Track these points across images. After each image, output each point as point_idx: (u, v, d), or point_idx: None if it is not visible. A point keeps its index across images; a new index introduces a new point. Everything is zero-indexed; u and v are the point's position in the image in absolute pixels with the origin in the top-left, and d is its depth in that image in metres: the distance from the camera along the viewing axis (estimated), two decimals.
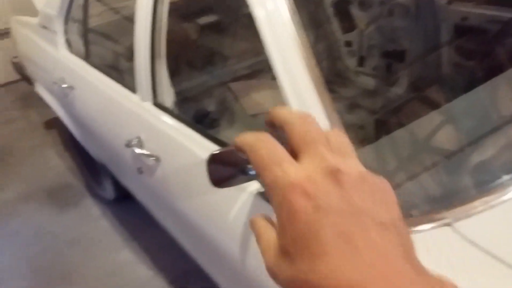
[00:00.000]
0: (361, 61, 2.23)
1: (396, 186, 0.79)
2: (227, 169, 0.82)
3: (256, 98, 2.08)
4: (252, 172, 0.81)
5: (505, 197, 0.69)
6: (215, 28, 2.26)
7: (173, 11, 1.56)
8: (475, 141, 0.89)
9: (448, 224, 0.68)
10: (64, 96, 1.79)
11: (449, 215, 0.68)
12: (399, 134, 1.03)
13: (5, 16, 3.23)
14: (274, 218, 0.30)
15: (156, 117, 1.24)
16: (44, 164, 2.68)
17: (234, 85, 2.14)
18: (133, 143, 1.24)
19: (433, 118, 1.08)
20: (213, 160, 0.79)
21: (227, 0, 2.30)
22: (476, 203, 0.69)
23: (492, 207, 0.68)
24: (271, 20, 0.90)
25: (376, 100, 2.08)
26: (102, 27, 1.97)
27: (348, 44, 2.25)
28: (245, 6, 0.98)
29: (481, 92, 1.10)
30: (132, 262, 1.93)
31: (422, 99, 1.75)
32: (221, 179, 0.83)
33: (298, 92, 0.82)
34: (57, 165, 2.64)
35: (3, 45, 3.37)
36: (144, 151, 1.20)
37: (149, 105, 1.28)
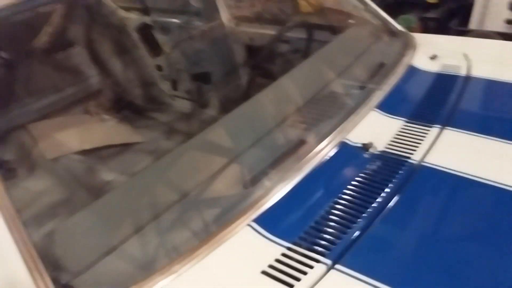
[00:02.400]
0: (174, 85, 2.19)
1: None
2: None
3: (59, 139, 1.90)
4: None
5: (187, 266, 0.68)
6: (5, 65, 2.03)
7: None
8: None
9: None
10: None
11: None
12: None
13: None
14: None
15: None
16: None
17: (34, 127, 1.93)
18: None
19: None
20: None
21: (16, 33, 2.08)
22: (163, 275, 0.65)
23: (176, 278, 0.64)
24: None
25: (192, 124, 2.06)
26: None
27: (159, 68, 2.19)
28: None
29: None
30: None
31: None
32: None
33: None
34: None
35: None
36: None
37: None
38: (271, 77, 1.65)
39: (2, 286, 0.71)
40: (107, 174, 1.59)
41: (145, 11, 2.11)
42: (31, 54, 1.92)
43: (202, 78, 2.04)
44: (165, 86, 2.20)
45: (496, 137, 0.96)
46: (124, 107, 2.07)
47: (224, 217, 0.82)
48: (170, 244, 0.83)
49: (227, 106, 2.00)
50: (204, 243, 0.77)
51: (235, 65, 1.92)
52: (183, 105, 2.14)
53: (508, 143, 0.94)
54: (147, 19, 2.10)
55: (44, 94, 1.98)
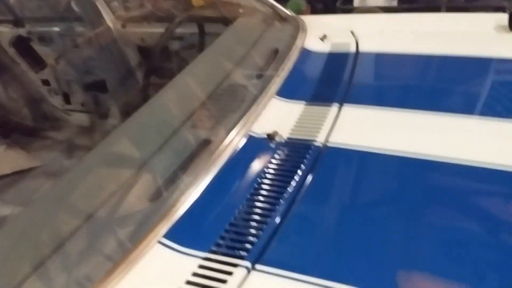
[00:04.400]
0: (67, 98, 2.02)
1: None
2: None
3: None
4: None
5: None
6: None
7: None
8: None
9: None
10: None
11: None
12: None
13: None
14: None
15: None
16: None
17: None
18: None
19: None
20: None
21: None
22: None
23: None
24: None
25: (94, 137, 1.92)
26: None
27: (46, 83, 2.00)
28: None
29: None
30: None
31: None
32: None
33: None
34: None
35: None
36: None
37: None
38: (168, 77, 1.59)
39: None
40: (2, 209, 1.42)
41: (17, 22, 1.91)
42: None
43: (96, 87, 1.90)
44: (57, 101, 2.02)
45: (392, 106, 1.00)
46: (12, 130, 1.87)
47: (134, 237, 0.76)
48: (79, 274, 0.75)
49: (128, 113, 1.89)
50: (115, 267, 0.70)
51: (129, 68, 1.81)
52: (80, 118, 1.99)
53: (403, 111, 0.98)
54: (22, 31, 1.91)
55: None
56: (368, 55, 1.24)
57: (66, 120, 2.03)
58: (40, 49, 1.92)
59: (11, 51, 1.95)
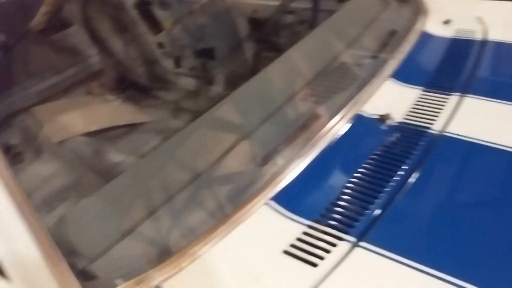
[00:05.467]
0: (178, 62, 2.14)
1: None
2: None
3: (64, 121, 1.87)
4: None
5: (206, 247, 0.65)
6: (2, 48, 1.98)
7: None
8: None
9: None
10: None
11: (156, 276, 0.61)
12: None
13: None
14: None
15: None
16: None
17: (37, 110, 1.90)
18: None
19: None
20: None
21: (12, 15, 2.03)
22: (181, 258, 0.63)
23: (195, 260, 0.62)
24: None
25: (199, 101, 2.02)
26: None
27: (161, 45, 2.14)
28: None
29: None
30: None
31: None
32: None
33: None
34: None
35: None
36: None
37: None
38: (277, 51, 1.61)
39: (16, 274, 0.70)
40: (115, 156, 1.57)
41: None
42: (28, 36, 1.87)
43: (206, 54, 1.99)
44: (168, 64, 2.15)
45: None
46: (128, 87, 2.03)
47: (240, 197, 0.80)
48: (186, 226, 0.81)
49: (233, 82, 1.96)
50: (221, 224, 0.74)
51: (239, 39, 1.86)
52: (188, 82, 2.10)
53: None
54: None
55: (43, 76, 1.94)
56: (497, 44, 1.15)
57: (175, 82, 2.15)
58: (160, 13, 2.04)
59: (134, 13, 2.09)
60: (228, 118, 1.09)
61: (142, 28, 2.13)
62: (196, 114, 1.88)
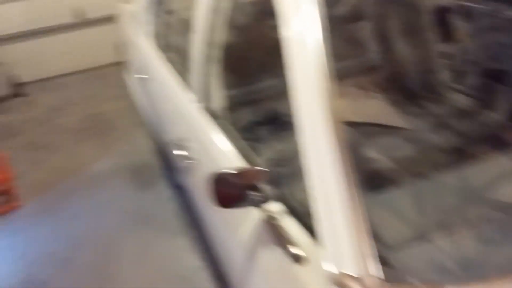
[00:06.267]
0: (457, 77, 2.00)
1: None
2: (232, 190, 0.79)
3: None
4: (253, 199, 0.77)
5: None
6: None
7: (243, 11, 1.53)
8: None
9: None
10: (141, 85, 1.90)
11: None
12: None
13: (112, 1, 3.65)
14: None
15: (202, 121, 1.24)
16: (135, 143, 2.91)
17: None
18: (177, 142, 1.26)
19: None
20: (215, 180, 0.77)
21: None
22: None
23: None
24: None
25: (469, 123, 1.85)
26: (185, 20, 2.02)
27: (445, 56, 2.03)
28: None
29: None
30: (187, 249, 2.00)
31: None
32: (222, 199, 0.80)
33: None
34: (144, 145, 2.85)
35: (114, 28, 3.70)
36: (184, 153, 1.22)
37: (199, 108, 1.29)
38: None
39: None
40: (368, 150, 1.58)
41: None
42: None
43: (495, 75, 1.79)
44: (446, 76, 2.03)
45: None
46: (398, 89, 2.01)
47: None
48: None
49: None
50: None
51: None
52: (462, 100, 1.94)
53: None
54: (444, 1, 1.94)
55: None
56: None
57: (447, 97, 2.02)
58: (456, 22, 1.92)
59: (428, 17, 2.03)
60: None
61: (431, 34, 2.06)
62: (462, 135, 1.74)
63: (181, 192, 2.34)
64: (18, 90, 3.87)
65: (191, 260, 1.94)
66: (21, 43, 3.91)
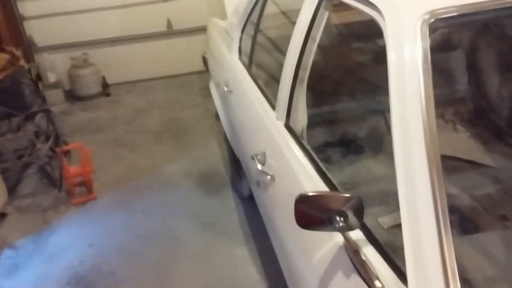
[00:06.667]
0: None
1: None
2: (314, 213, 0.81)
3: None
4: (339, 225, 0.79)
5: None
6: (369, 53, 2.17)
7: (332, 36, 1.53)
8: None
9: None
10: (224, 97, 1.97)
11: None
12: None
13: (201, 15, 3.92)
14: None
15: (282, 138, 1.26)
16: (207, 150, 3.00)
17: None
18: (257, 157, 1.29)
19: None
20: (302, 201, 0.80)
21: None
22: None
23: None
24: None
25: None
26: (272, 40, 2.08)
27: None
28: None
29: None
30: (246, 260, 2.02)
31: None
32: (306, 221, 0.82)
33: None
34: (215, 153, 2.93)
35: (201, 39, 3.87)
36: (263, 168, 1.24)
37: (280, 125, 1.31)
38: None
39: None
40: (448, 186, 1.52)
41: None
42: None
43: None
44: None
45: None
46: (483, 124, 1.92)
47: None
48: None
49: None
50: None
51: None
52: None
53: None
54: None
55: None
56: None
57: None
58: None
59: None
60: None
61: None
62: None
63: (246, 204, 2.38)
64: (106, 90, 4.16)
65: (250, 273, 1.95)
66: (112, 47, 4.19)
